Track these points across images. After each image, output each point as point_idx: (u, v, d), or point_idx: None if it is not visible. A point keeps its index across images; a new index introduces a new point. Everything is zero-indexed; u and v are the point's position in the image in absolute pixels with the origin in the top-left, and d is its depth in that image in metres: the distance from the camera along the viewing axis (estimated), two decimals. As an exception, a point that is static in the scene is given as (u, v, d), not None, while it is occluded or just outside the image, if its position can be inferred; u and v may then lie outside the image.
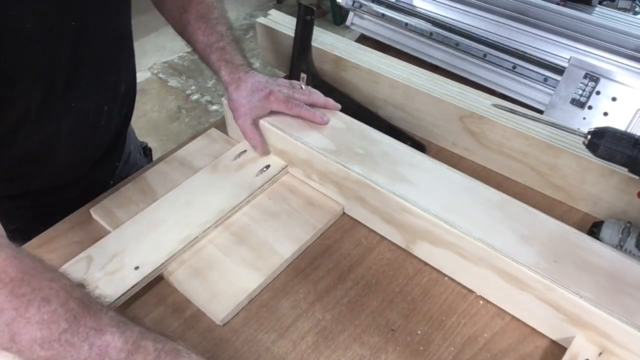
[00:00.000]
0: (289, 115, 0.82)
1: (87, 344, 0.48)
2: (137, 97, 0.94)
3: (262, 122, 0.83)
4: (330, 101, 0.84)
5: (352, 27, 1.22)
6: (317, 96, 0.84)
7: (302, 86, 0.86)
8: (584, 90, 0.91)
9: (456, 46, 1.05)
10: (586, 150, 0.64)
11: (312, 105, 0.83)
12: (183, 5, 0.86)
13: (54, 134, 0.74)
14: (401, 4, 1.14)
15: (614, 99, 0.89)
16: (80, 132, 0.79)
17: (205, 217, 0.76)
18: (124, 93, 0.85)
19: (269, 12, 1.07)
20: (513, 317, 0.67)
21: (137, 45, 0.89)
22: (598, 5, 1.07)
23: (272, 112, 0.83)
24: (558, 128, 0.71)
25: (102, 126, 0.83)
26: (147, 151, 1.08)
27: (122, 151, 0.95)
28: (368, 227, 0.78)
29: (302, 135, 0.80)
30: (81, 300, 0.50)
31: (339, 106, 0.84)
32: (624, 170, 0.68)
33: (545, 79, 0.96)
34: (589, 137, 0.63)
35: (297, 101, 0.82)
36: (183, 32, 0.88)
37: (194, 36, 0.86)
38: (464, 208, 0.69)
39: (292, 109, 0.81)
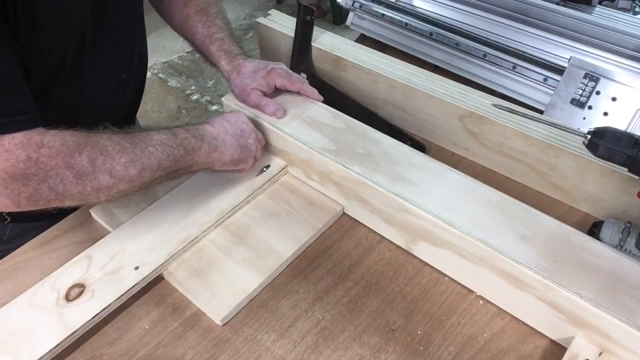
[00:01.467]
0: (291, 90, 0.86)
1: (151, 146, 0.66)
2: (137, 97, 0.95)
3: (262, 122, 0.83)
4: (317, 92, 0.88)
5: (352, 27, 1.22)
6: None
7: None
8: (584, 90, 0.91)
9: (456, 46, 1.05)
10: (586, 150, 0.64)
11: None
12: (184, 1, 0.89)
13: (80, 96, 0.77)
14: (401, 4, 1.14)
15: (614, 99, 0.89)
16: (103, 98, 0.82)
17: (205, 217, 0.76)
18: (138, 64, 0.88)
19: (269, 12, 1.07)
20: (513, 317, 0.67)
21: (137, 45, 0.89)
22: (598, 5, 1.07)
23: (276, 92, 0.87)
24: (558, 128, 0.71)
25: (120, 95, 0.86)
26: None
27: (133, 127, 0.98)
28: (368, 227, 0.78)
29: (302, 135, 0.80)
30: (117, 131, 0.67)
31: (322, 98, 0.87)
32: (623, 170, 0.68)
33: (545, 79, 0.96)
34: (589, 137, 0.63)
35: (299, 76, 0.87)
36: (182, 25, 0.90)
37: (193, 28, 0.89)
38: (464, 208, 0.69)
39: (294, 83, 0.86)
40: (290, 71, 0.87)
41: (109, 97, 0.83)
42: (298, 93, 0.87)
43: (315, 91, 0.87)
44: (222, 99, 0.89)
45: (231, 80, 0.87)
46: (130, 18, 0.82)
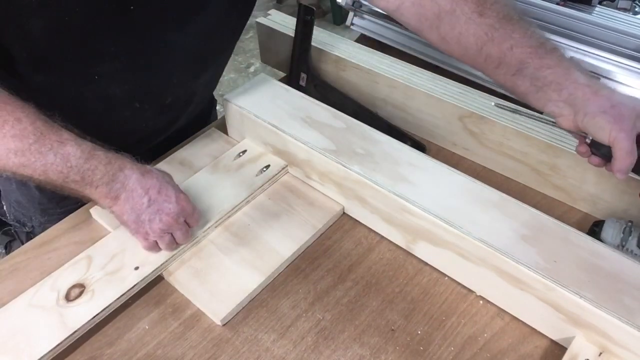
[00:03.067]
0: None
1: (52, 152, 0.59)
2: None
3: (261, 121, 0.83)
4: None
5: (352, 27, 1.22)
6: None
7: None
8: (584, 90, 0.90)
9: (456, 46, 1.05)
10: (586, 150, 0.64)
11: None
12: (478, 10, 0.64)
13: (80, 96, 0.71)
14: (401, 4, 1.14)
15: (614, 99, 0.89)
16: (106, 112, 0.75)
17: (205, 217, 0.76)
18: (171, 103, 0.81)
19: (269, 12, 1.07)
20: (513, 317, 0.67)
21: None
22: (598, 5, 1.07)
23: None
24: (558, 128, 0.71)
25: (129, 119, 0.79)
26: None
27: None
28: (368, 227, 0.78)
29: (302, 135, 0.80)
30: (46, 121, 0.59)
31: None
32: (624, 170, 0.68)
33: (546, 79, 0.96)
34: (590, 137, 0.63)
35: None
36: (483, 44, 0.63)
37: (506, 42, 0.63)
38: (464, 208, 0.69)
39: None
40: None
41: (114, 114, 0.76)
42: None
43: None
44: (223, 98, 0.89)
45: (589, 104, 0.57)
46: (159, 59, 0.70)
